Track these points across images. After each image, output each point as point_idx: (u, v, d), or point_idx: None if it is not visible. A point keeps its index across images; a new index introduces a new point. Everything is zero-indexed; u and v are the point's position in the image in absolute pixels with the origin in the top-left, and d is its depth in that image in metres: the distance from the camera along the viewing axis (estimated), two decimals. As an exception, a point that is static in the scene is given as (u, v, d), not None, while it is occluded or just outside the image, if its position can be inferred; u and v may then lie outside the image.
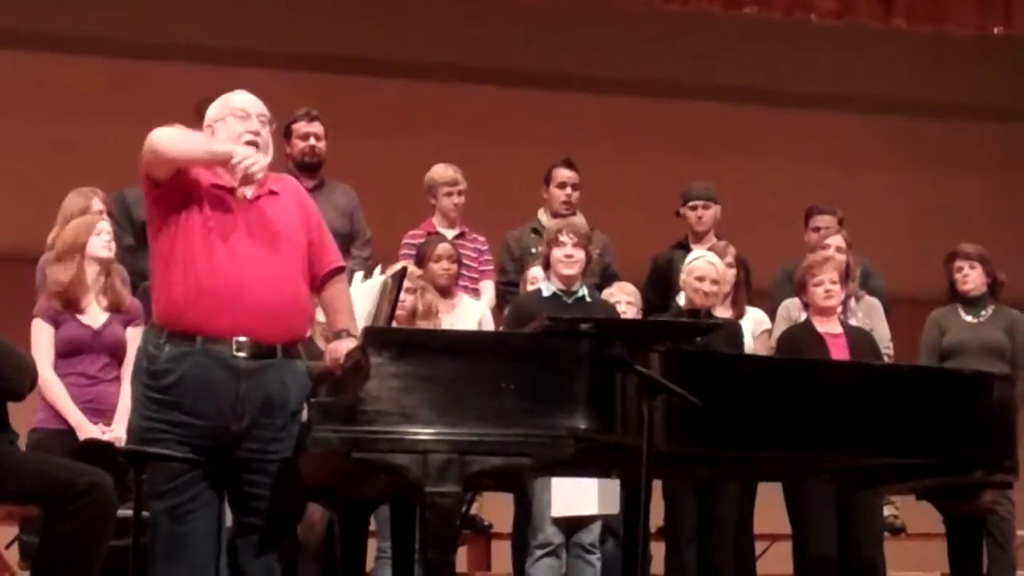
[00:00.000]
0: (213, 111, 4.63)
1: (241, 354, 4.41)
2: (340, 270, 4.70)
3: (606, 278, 7.28)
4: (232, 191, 4.49)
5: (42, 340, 5.68)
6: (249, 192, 4.52)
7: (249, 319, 4.41)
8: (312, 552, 5.95)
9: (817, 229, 7.60)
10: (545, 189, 7.63)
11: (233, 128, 4.55)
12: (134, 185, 7.00)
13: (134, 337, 5.71)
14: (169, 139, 4.43)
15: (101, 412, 5.66)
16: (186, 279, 4.42)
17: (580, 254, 6.28)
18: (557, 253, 6.27)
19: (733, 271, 6.84)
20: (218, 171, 4.52)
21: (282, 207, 4.58)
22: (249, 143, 4.51)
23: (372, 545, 5.99)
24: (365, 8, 9.76)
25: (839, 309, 6.74)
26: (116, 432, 5.60)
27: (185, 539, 4.44)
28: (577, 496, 6.33)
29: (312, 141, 7.18)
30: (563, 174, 7.59)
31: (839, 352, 6.40)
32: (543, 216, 7.54)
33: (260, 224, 4.49)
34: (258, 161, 4.40)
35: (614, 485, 6.19)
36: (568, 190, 7.56)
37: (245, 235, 4.47)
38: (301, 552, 5.59)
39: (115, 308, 5.77)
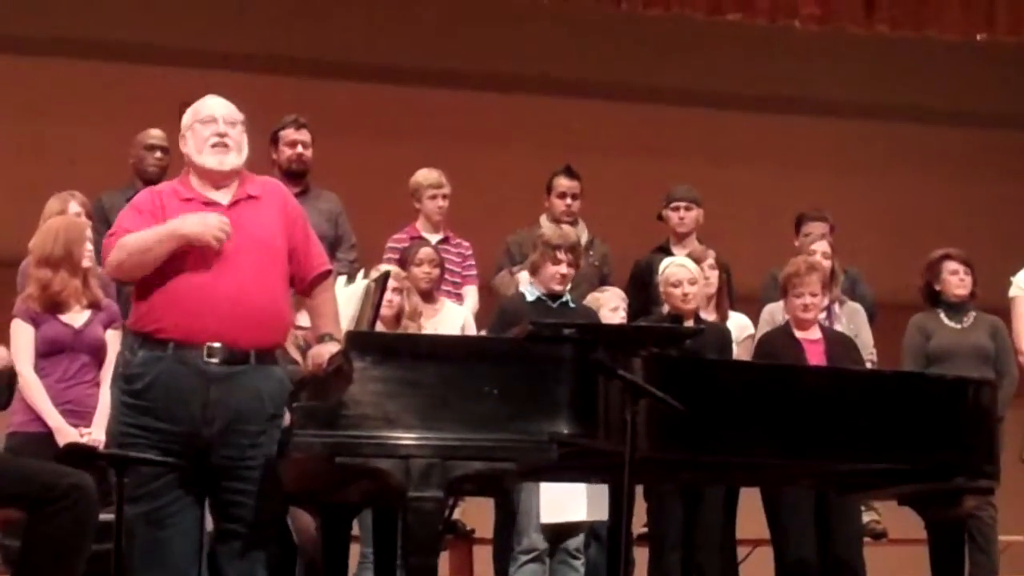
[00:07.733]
0: (184, 119, 4.68)
1: (212, 360, 4.43)
2: (327, 274, 4.72)
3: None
4: (206, 203, 4.52)
5: (21, 340, 5.65)
6: (226, 200, 4.55)
7: (221, 324, 4.43)
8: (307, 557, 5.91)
9: (808, 235, 7.58)
10: (546, 197, 7.60)
11: (200, 134, 4.59)
12: (114, 188, 7.05)
13: (114, 340, 5.73)
14: (129, 256, 4.43)
15: (79, 414, 5.63)
16: (160, 284, 4.45)
17: (572, 271, 6.32)
18: (552, 269, 6.25)
19: (716, 273, 6.83)
20: (191, 184, 4.57)
21: (262, 212, 4.60)
22: (215, 146, 4.56)
23: (355, 550, 5.98)
24: (349, 12, 9.74)
25: (823, 315, 6.73)
26: (95, 435, 5.59)
27: (163, 544, 4.45)
28: (566, 502, 6.32)
29: (299, 149, 7.17)
30: (563, 184, 7.51)
31: (816, 357, 6.38)
32: (545, 223, 7.48)
33: (236, 230, 4.50)
34: (220, 236, 4.41)
35: (603, 491, 6.17)
36: (568, 200, 7.52)
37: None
38: (297, 559, 5.56)
39: (93, 305, 5.75)
